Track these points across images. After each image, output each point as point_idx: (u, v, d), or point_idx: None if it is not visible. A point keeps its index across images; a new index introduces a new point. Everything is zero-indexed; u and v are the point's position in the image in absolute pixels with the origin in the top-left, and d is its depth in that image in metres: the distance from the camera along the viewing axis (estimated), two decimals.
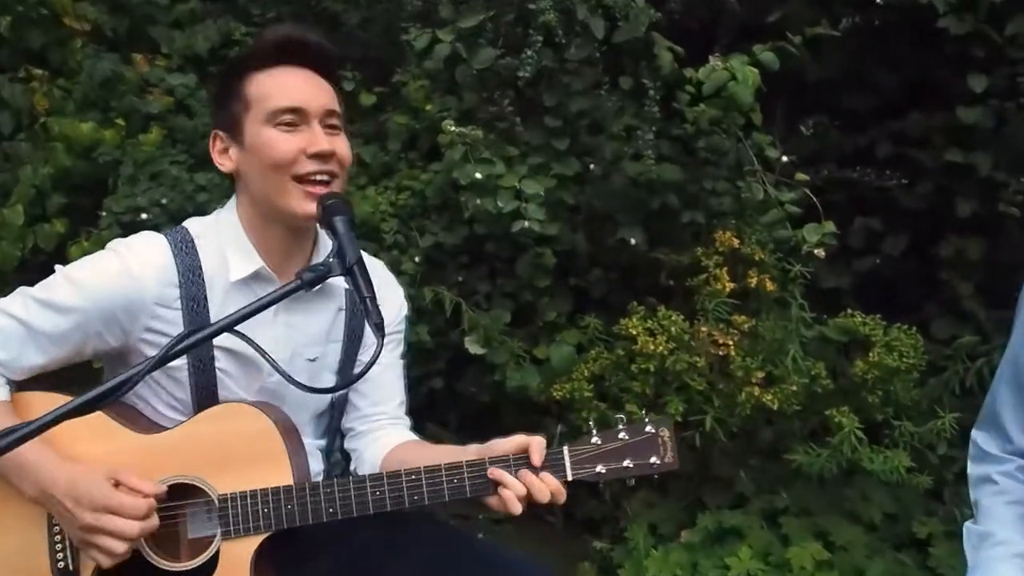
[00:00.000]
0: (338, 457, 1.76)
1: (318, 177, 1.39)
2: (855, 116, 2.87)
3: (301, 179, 1.39)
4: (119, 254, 1.40)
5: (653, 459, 1.37)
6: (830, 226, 2.22)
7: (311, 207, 1.38)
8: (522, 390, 2.49)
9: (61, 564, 1.35)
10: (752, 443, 2.64)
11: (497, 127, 2.61)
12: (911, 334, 2.34)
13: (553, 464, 1.35)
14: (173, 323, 1.41)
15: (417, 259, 2.60)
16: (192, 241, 1.45)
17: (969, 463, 1.46)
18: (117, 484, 1.31)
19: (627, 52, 2.60)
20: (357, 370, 1.59)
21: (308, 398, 1.53)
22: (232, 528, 1.34)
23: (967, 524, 1.42)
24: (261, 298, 1.19)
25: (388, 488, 1.36)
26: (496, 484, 1.33)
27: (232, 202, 1.50)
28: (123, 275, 1.38)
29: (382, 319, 1.19)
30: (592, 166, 2.58)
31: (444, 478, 1.36)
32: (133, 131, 2.92)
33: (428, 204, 2.70)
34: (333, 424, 1.65)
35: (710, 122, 2.40)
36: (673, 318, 2.43)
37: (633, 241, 2.55)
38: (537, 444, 1.33)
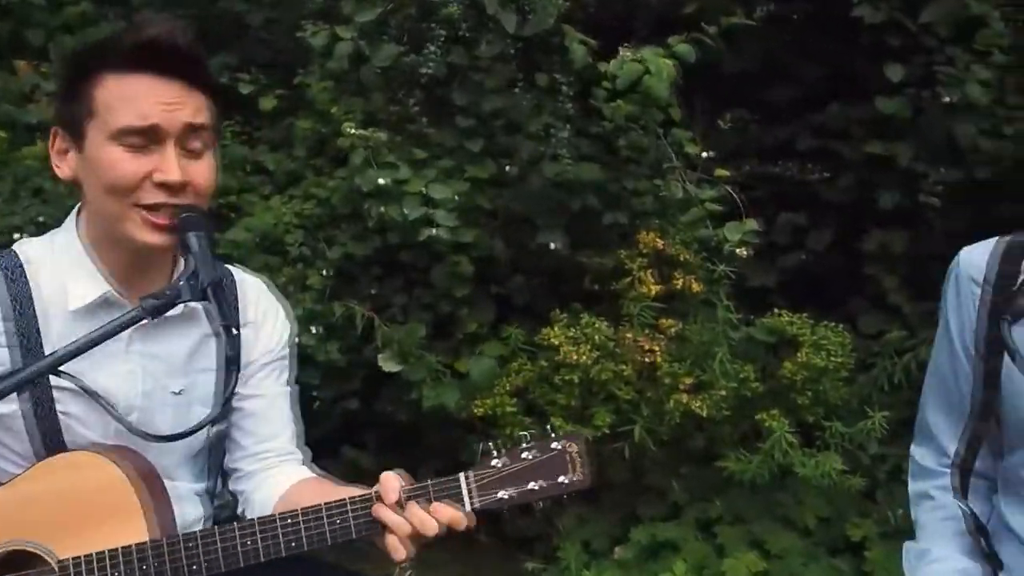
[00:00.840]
0: (228, 498, 1.59)
1: (161, 207, 1.19)
2: (775, 109, 2.82)
3: (145, 207, 1.21)
4: None
5: (562, 478, 1.23)
6: (751, 224, 2.14)
7: (156, 238, 1.19)
8: (440, 409, 2.35)
9: None
10: (684, 451, 2.56)
11: (407, 129, 2.47)
12: (838, 332, 2.29)
13: (450, 494, 1.21)
14: (2, 363, 1.22)
15: (325, 272, 2.43)
16: (21, 266, 1.26)
17: (909, 481, 1.37)
18: None
19: (540, 47, 2.49)
20: (236, 402, 1.43)
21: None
22: None
23: (907, 543, 1.33)
24: (93, 331, 1.02)
25: (261, 536, 1.19)
26: (382, 524, 1.18)
27: (72, 218, 1.31)
28: None
29: (237, 352, 1.04)
30: (508, 168, 2.45)
31: (326, 519, 1.20)
32: (18, 143, 2.69)
33: (336, 213, 2.54)
34: (214, 463, 1.47)
35: (627, 118, 2.30)
36: (597, 325, 2.32)
37: (553, 245, 2.43)
38: (386, 482, 1.18)
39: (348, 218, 2.56)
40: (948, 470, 1.28)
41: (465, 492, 1.20)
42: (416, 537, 1.17)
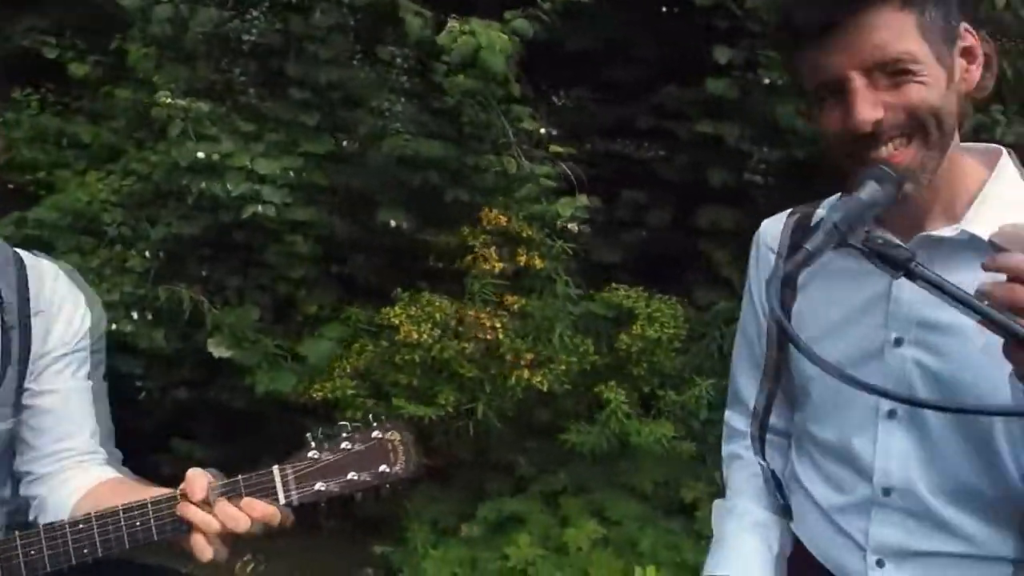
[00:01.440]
0: (20, 504, 1.45)
1: None
2: (616, 88, 2.88)
3: None
4: None
5: (383, 467, 1.19)
6: (583, 200, 2.18)
7: None
8: (276, 395, 2.25)
9: None
10: (528, 426, 2.59)
11: (236, 101, 2.33)
12: (671, 304, 2.37)
13: (263, 488, 1.15)
14: None
15: (148, 254, 2.27)
16: None
17: (723, 444, 1.43)
18: None
19: (380, 19, 2.42)
20: (27, 395, 1.30)
21: None
22: None
23: (716, 501, 1.39)
24: None
25: (47, 545, 1.10)
26: (189, 524, 1.11)
27: None
28: None
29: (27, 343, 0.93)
30: (346, 143, 2.37)
31: (124, 522, 1.12)
32: None
33: (160, 190, 2.37)
34: (4, 467, 1.34)
35: (467, 93, 2.27)
36: (438, 303, 2.30)
37: (395, 223, 2.38)
38: (192, 479, 1.11)
39: (173, 195, 2.40)
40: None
41: (280, 485, 1.15)
42: (226, 535, 1.11)
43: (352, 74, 2.40)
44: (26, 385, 1.30)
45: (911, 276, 0.88)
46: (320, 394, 2.25)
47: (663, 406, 2.35)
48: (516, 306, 2.42)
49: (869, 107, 0.96)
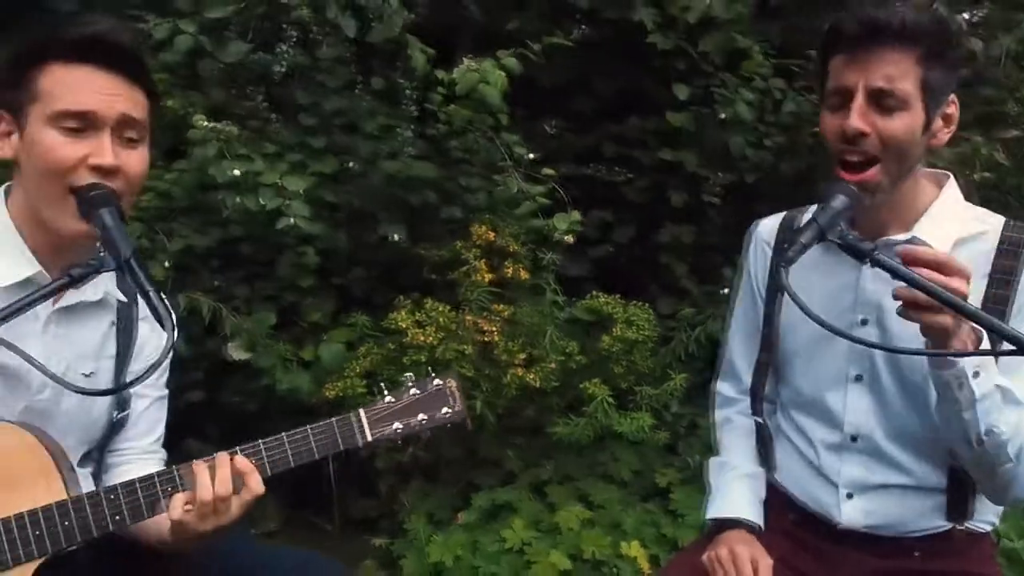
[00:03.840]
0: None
1: (93, 192, 1.24)
2: (584, 119, 3.20)
3: (78, 192, 1.25)
4: None
5: (444, 410, 1.42)
6: (576, 215, 2.46)
7: (83, 227, 1.25)
8: (293, 392, 2.44)
9: None
10: (517, 423, 2.82)
11: (250, 124, 2.52)
12: (645, 309, 2.67)
13: (350, 429, 1.36)
14: None
15: (167, 264, 2.42)
16: None
17: (715, 411, 1.72)
18: None
19: (379, 53, 2.67)
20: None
21: (77, 422, 1.39)
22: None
23: (711, 459, 1.68)
24: (22, 297, 1.07)
25: (181, 485, 1.29)
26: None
27: (0, 197, 1.32)
28: None
29: (169, 311, 1.13)
30: (351, 164, 2.59)
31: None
32: None
33: (175, 206, 2.53)
34: (101, 449, 1.50)
35: (466, 122, 2.53)
36: (440, 309, 2.53)
37: (396, 237, 2.61)
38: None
39: (186, 211, 2.56)
40: (746, 397, 1.65)
41: (366, 425, 1.37)
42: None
43: (353, 102, 2.62)
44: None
45: (874, 263, 1.20)
46: (332, 392, 2.44)
47: (640, 400, 2.63)
48: (506, 313, 2.67)
49: (860, 119, 1.30)
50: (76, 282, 1.11)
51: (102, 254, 1.15)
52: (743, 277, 1.63)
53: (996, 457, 1.28)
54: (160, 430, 1.56)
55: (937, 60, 1.30)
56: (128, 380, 1.44)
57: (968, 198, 1.82)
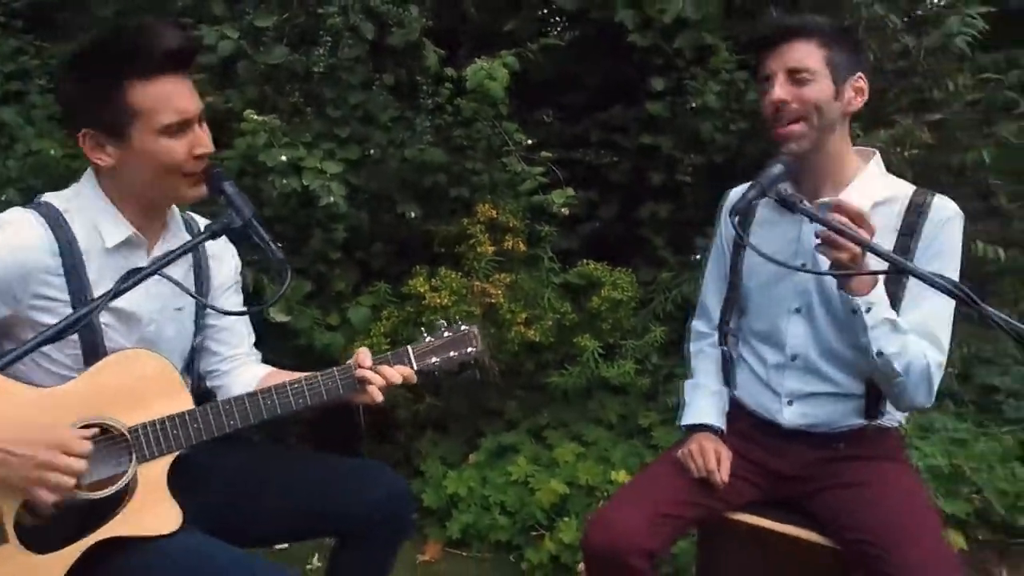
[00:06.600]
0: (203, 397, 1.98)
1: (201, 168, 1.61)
2: (573, 109, 3.58)
3: (187, 174, 1.61)
4: (1, 229, 1.53)
5: (470, 348, 1.77)
6: (571, 191, 2.85)
7: (199, 192, 1.63)
8: (328, 348, 2.82)
9: None
10: (518, 377, 3.22)
11: (285, 118, 2.88)
12: (628, 274, 3.07)
13: (400, 360, 1.72)
14: (59, 289, 1.58)
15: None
16: (61, 214, 1.62)
17: (690, 344, 2.13)
18: None
19: (392, 53, 3.03)
20: (210, 315, 1.85)
21: (176, 343, 1.77)
22: (147, 452, 1.56)
23: (685, 381, 2.09)
24: (185, 244, 1.46)
25: (276, 395, 1.64)
26: (362, 381, 1.67)
27: (90, 179, 1.67)
28: (12, 248, 1.52)
29: (285, 258, 1.49)
30: (372, 151, 2.96)
31: (321, 381, 1.68)
32: None
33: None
34: (195, 367, 1.88)
35: (469, 113, 2.91)
36: (452, 276, 2.92)
37: (412, 215, 2.98)
38: (361, 353, 1.70)
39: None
40: (715, 332, 2.06)
41: (413, 358, 1.75)
42: (385, 387, 1.70)
43: (372, 97, 2.99)
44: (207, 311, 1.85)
45: (798, 211, 1.60)
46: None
47: (625, 351, 3.04)
48: (507, 280, 3.06)
49: (780, 90, 1.73)
50: (216, 236, 1.49)
51: (231, 213, 1.51)
52: (715, 237, 2.05)
53: (889, 371, 1.69)
54: (252, 335, 1.94)
55: (836, 43, 1.74)
56: (225, 308, 1.82)
57: (903, 173, 2.28)
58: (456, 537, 2.91)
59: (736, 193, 2.01)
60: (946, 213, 1.74)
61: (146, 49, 1.52)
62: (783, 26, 1.77)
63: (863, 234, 1.54)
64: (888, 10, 3.07)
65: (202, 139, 1.61)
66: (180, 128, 1.56)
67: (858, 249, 1.52)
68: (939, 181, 2.99)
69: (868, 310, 1.64)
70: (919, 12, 3.25)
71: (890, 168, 1.90)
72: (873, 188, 1.82)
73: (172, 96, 1.54)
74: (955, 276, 1.72)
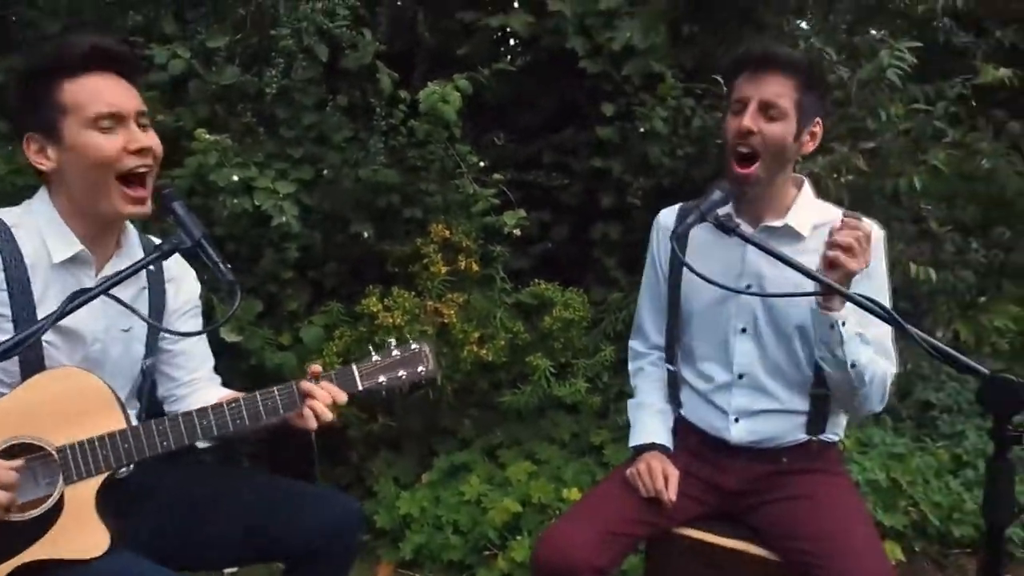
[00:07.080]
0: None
1: (139, 170, 1.60)
2: (525, 132, 3.64)
3: (123, 177, 1.60)
4: None
5: (420, 368, 1.73)
6: (522, 212, 2.90)
7: (131, 208, 1.61)
8: (279, 368, 2.80)
9: None
10: (471, 396, 3.24)
11: (237, 137, 2.88)
12: (579, 294, 3.13)
13: (346, 379, 1.69)
14: (2, 304, 1.56)
15: None
16: (8, 229, 1.60)
17: (629, 364, 2.18)
18: None
19: (346, 75, 3.06)
20: (165, 340, 1.83)
21: (122, 365, 1.75)
22: (75, 473, 1.53)
23: (629, 400, 2.14)
24: (134, 264, 1.45)
25: (213, 415, 1.62)
26: (305, 396, 1.66)
27: (43, 195, 1.66)
28: None
29: (235, 279, 1.49)
30: (326, 172, 2.97)
31: (259, 400, 1.66)
32: None
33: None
34: (143, 391, 1.85)
35: (423, 135, 2.95)
36: (405, 295, 2.93)
37: (365, 235, 2.99)
38: (311, 366, 1.70)
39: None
40: (654, 352, 2.11)
41: (357, 377, 1.73)
42: (331, 405, 1.68)
43: (325, 118, 3.01)
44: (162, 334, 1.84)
45: (735, 235, 1.67)
46: None
47: (577, 371, 3.08)
48: (460, 300, 3.08)
49: (751, 119, 1.79)
50: (166, 256, 1.49)
51: (180, 235, 1.51)
52: (648, 257, 2.10)
53: (858, 382, 1.77)
54: (211, 360, 1.93)
55: (809, 89, 1.81)
56: (179, 329, 1.80)
57: (840, 198, 2.38)
58: (409, 558, 2.91)
59: (667, 214, 2.08)
60: (873, 236, 1.83)
61: (76, 49, 1.57)
62: (770, 55, 1.80)
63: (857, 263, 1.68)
64: (825, 42, 3.21)
65: (138, 136, 1.59)
66: (111, 123, 1.55)
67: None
68: (874, 205, 3.12)
69: (844, 324, 1.71)
70: (855, 44, 3.40)
71: (827, 193, 2.00)
72: (809, 213, 1.91)
73: (102, 91, 1.56)
74: (887, 293, 1.81)
